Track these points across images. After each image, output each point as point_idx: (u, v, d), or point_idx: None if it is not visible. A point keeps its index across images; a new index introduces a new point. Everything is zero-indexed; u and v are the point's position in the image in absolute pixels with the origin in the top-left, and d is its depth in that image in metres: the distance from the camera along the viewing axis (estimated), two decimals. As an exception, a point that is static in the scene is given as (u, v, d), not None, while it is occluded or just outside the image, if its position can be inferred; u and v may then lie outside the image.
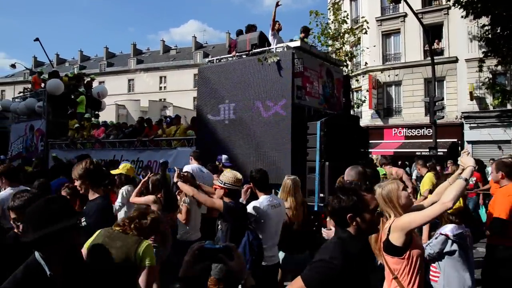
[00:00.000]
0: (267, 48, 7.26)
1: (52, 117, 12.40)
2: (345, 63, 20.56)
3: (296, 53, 7.08)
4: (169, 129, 9.26)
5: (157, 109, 39.47)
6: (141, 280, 2.73)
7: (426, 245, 3.49)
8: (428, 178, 6.75)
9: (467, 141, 21.80)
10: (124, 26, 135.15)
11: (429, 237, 4.34)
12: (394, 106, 25.20)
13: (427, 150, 18.31)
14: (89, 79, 14.15)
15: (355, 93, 23.46)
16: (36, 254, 2.02)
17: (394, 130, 24.52)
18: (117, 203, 5.01)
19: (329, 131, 6.61)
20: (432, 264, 3.54)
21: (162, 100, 44.77)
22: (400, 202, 2.73)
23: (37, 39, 22.71)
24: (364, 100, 22.24)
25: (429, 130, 21.29)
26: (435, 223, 3.72)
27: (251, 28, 8.21)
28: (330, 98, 8.09)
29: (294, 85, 6.88)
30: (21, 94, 14.96)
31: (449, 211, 3.23)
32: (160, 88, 51.84)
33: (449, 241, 3.41)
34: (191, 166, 6.00)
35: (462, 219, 3.50)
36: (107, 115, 30.58)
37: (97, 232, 2.87)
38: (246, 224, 3.69)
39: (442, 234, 3.46)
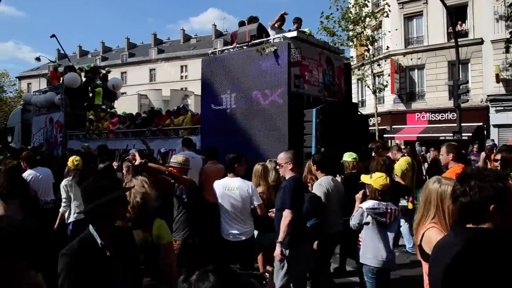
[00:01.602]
0: (265, 39, 7.66)
1: (70, 109, 13.22)
2: (366, 48, 20.70)
3: (293, 42, 7.46)
4: (177, 119, 9.83)
5: (178, 98, 40.27)
6: (164, 257, 3.00)
7: (351, 217, 4.05)
8: (404, 160, 6.96)
9: (493, 125, 21.51)
10: (144, 17, 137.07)
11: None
12: (417, 90, 25.01)
13: (451, 134, 18.22)
14: (104, 71, 14.86)
15: (377, 78, 23.49)
16: (90, 227, 2.36)
17: (417, 114, 24.38)
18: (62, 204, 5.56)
19: (325, 118, 7.00)
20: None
21: (184, 89, 45.60)
22: (450, 208, 2.39)
23: (53, 36, 23.69)
24: (386, 85, 22.28)
25: (453, 114, 21.12)
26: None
27: (252, 20, 8.60)
28: (330, 86, 8.44)
29: (291, 74, 7.28)
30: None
31: (377, 187, 3.89)
32: (181, 77, 52.75)
33: (365, 214, 3.89)
34: (184, 153, 6.54)
35: (384, 196, 3.92)
36: (130, 105, 31.59)
37: None
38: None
39: (360, 207, 3.96)
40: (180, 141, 9.08)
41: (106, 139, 11.61)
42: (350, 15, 20.65)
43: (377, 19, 21.44)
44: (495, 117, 21.51)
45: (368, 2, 21.06)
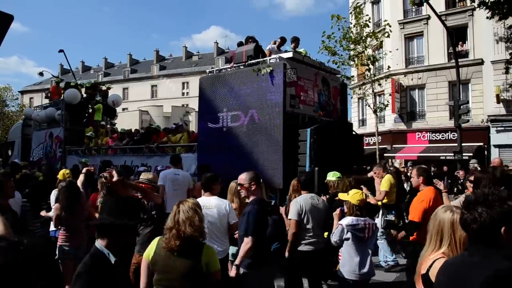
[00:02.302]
0: (262, 59, 7.88)
1: (70, 125, 13.47)
2: (367, 67, 20.99)
3: (289, 63, 7.67)
4: (174, 137, 10.00)
5: (179, 114, 40.62)
6: (214, 285, 2.95)
7: (332, 234, 4.29)
8: (387, 179, 7.11)
9: (493, 145, 21.65)
10: (147, 33, 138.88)
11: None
12: (418, 110, 25.26)
13: (452, 154, 18.35)
14: (105, 88, 15.14)
15: (377, 97, 23.73)
16: (97, 244, 2.41)
17: (418, 134, 24.58)
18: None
19: (319, 138, 7.16)
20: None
21: (185, 105, 46.00)
22: (463, 237, 2.33)
23: (61, 51, 24.11)
24: (387, 104, 22.52)
25: (453, 134, 21.34)
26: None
27: (249, 40, 8.85)
28: (326, 106, 8.63)
29: (287, 94, 7.46)
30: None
31: (354, 203, 4.18)
32: (183, 93, 53.31)
33: (345, 230, 4.16)
34: (168, 170, 6.99)
35: (362, 212, 4.22)
36: (131, 120, 31.92)
37: (155, 241, 3.08)
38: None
39: (340, 224, 4.21)
40: (178, 158, 9.29)
41: (104, 155, 11.78)
42: (351, 35, 21.00)
43: (378, 39, 21.76)
44: (496, 137, 21.66)
45: (369, 22, 21.45)
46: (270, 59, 7.76)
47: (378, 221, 6.42)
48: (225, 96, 8.24)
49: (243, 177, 4.29)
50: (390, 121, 25.71)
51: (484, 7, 16.50)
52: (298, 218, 4.82)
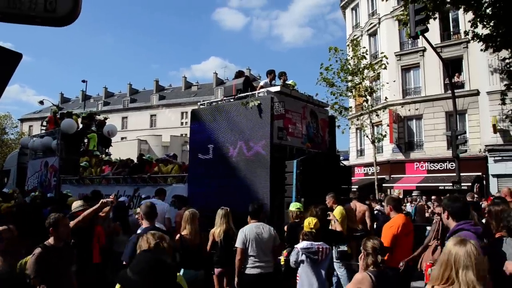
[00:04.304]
0: (250, 93, 8.26)
1: (65, 154, 13.77)
2: (365, 98, 21.46)
3: (277, 96, 8.04)
4: (166, 168, 10.31)
5: (178, 144, 40.98)
6: None
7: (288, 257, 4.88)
8: (338, 211, 7.34)
9: (492, 175, 21.87)
10: (147, 63, 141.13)
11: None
12: (416, 140, 25.63)
13: (451, 184, 18.53)
14: (102, 118, 15.55)
15: (375, 128, 24.13)
16: None
17: (416, 164, 24.85)
18: None
19: (305, 169, 7.43)
20: None
21: (184, 135, 46.47)
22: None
23: (84, 81, 26.28)
24: (385, 135, 22.86)
25: (452, 164, 21.60)
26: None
27: (240, 74, 9.29)
28: (314, 138, 8.94)
29: (274, 127, 7.78)
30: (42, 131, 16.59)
31: (306, 230, 4.76)
32: (182, 123, 53.87)
33: (300, 253, 4.69)
34: (148, 200, 7.36)
35: (315, 237, 4.79)
36: (130, 150, 32.24)
37: None
38: None
39: (296, 248, 4.76)
40: (169, 189, 9.57)
41: (98, 184, 12.04)
42: (349, 66, 21.55)
43: (375, 71, 22.30)
44: (494, 167, 21.90)
45: (366, 54, 22.07)
46: (258, 93, 8.12)
47: (334, 252, 6.75)
48: (215, 128, 8.57)
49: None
50: (388, 151, 26.03)
51: (478, 40, 17.00)
52: (243, 246, 5.36)
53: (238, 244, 5.38)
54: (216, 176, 8.36)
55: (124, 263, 4.72)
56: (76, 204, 5.71)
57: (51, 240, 4.39)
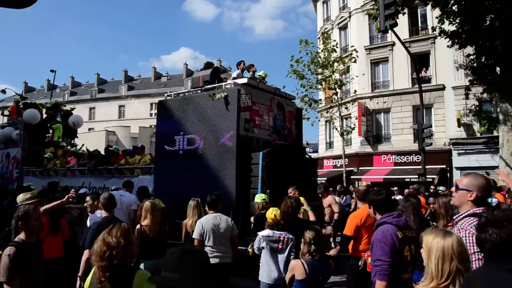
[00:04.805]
0: (217, 84, 8.31)
1: (28, 145, 13.44)
2: (334, 91, 21.76)
3: (244, 88, 8.12)
4: (133, 159, 10.26)
5: (147, 135, 40.61)
6: None
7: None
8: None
9: (455, 167, 22.61)
10: (115, 53, 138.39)
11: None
12: (383, 133, 26.21)
13: (416, 176, 19.08)
14: (68, 108, 15.25)
15: (344, 120, 24.56)
16: None
17: (384, 156, 25.44)
18: None
19: (271, 161, 7.56)
20: None
21: (153, 126, 46.02)
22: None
23: (53, 71, 25.63)
24: (354, 127, 23.29)
25: (418, 157, 22.24)
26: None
27: (208, 65, 9.31)
28: (281, 130, 9.09)
29: (241, 118, 7.88)
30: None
31: (268, 221, 4.98)
32: (151, 114, 53.19)
33: (261, 240, 4.95)
34: (116, 192, 7.66)
35: (276, 227, 5.00)
36: (97, 141, 31.72)
37: (93, 270, 3.04)
38: None
39: (258, 235, 5.03)
40: (135, 180, 9.53)
41: (63, 176, 11.86)
42: (319, 59, 21.80)
43: (345, 64, 22.62)
44: (457, 160, 22.66)
45: (337, 47, 22.33)
46: (225, 85, 8.18)
47: None
48: (182, 120, 8.59)
49: None
50: (357, 144, 26.54)
51: (445, 36, 17.49)
52: (200, 237, 5.48)
53: (196, 235, 5.49)
54: (182, 168, 8.40)
55: (86, 250, 4.80)
56: (23, 197, 5.50)
57: (22, 236, 3.93)
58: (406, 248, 3.56)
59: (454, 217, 3.13)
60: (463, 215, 3.00)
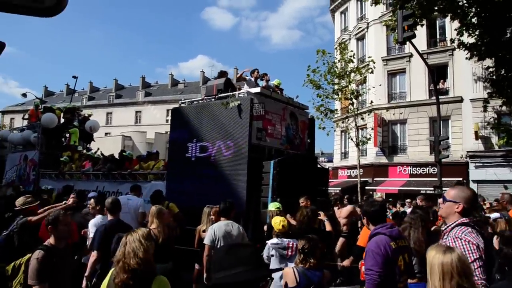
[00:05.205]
0: (231, 93, 8.44)
1: (46, 149, 13.79)
2: (351, 101, 21.74)
3: (257, 98, 8.23)
4: (147, 164, 10.42)
5: (163, 141, 40.86)
6: None
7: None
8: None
9: (472, 180, 22.33)
10: (134, 60, 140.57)
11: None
12: (399, 144, 26.05)
13: (432, 188, 18.92)
14: (86, 115, 15.58)
15: (360, 131, 24.46)
16: None
17: (399, 168, 25.28)
18: None
19: (282, 170, 7.62)
20: None
21: (168, 132, 46.44)
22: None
23: (75, 77, 26.47)
24: (369, 138, 23.18)
25: (434, 169, 22.01)
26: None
27: (222, 74, 9.46)
28: (293, 139, 9.16)
29: (253, 127, 7.97)
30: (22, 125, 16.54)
31: (276, 230, 5.15)
32: (167, 121, 53.65)
33: (270, 248, 5.14)
34: (123, 196, 8.11)
35: (284, 235, 5.21)
36: (113, 145, 32.12)
37: (110, 273, 3.09)
38: None
39: (267, 243, 5.19)
40: (148, 185, 9.69)
41: (77, 179, 12.10)
42: (336, 69, 21.80)
43: (361, 75, 22.59)
44: (474, 173, 22.38)
45: (354, 58, 22.34)
46: (238, 94, 8.30)
47: None
48: (195, 127, 8.72)
49: None
50: (372, 154, 26.39)
51: (463, 48, 17.41)
52: (211, 243, 5.51)
53: (207, 241, 5.55)
54: (194, 174, 8.52)
55: (94, 250, 4.89)
56: (22, 200, 5.65)
57: (51, 240, 3.96)
58: (400, 258, 3.63)
59: (444, 227, 3.22)
60: (453, 224, 3.10)
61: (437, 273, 2.31)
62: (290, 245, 5.07)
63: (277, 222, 5.28)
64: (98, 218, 6.12)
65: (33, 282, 3.65)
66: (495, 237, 4.99)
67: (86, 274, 4.97)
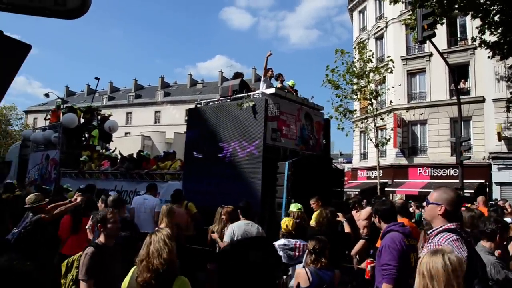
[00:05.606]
0: (246, 94, 8.53)
1: (66, 148, 14.13)
2: (370, 102, 21.61)
3: (271, 98, 8.30)
4: (164, 164, 10.59)
5: (181, 141, 40.78)
6: None
7: None
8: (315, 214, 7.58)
9: (495, 183, 22.00)
10: (153, 60, 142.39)
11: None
12: (419, 145, 25.78)
13: (454, 191, 18.66)
14: (106, 115, 15.90)
15: (379, 131, 24.27)
16: None
17: (419, 169, 25.02)
18: None
19: (297, 171, 7.68)
20: None
21: (187, 132, 46.80)
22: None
23: (97, 78, 27.03)
24: (389, 139, 22.99)
25: (455, 171, 21.73)
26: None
27: (238, 75, 9.57)
28: (308, 140, 9.20)
29: (268, 128, 8.05)
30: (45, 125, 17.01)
31: (283, 230, 5.23)
32: (186, 121, 54.25)
33: (278, 249, 5.11)
34: (140, 196, 8.47)
35: (290, 236, 5.28)
36: (133, 145, 32.46)
37: (131, 271, 3.16)
38: None
39: (273, 244, 5.15)
40: (165, 185, 9.86)
41: (96, 179, 12.36)
42: (355, 69, 21.70)
43: (381, 74, 22.43)
44: (497, 175, 22.02)
45: (373, 57, 22.20)
46: (253, 94, 8.39)
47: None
48: (211, 128, 8.84)
49: None
50: (392, 155, 26.18)
51: (485, 47, 17.14)
52: (230, 241, 5.58)
53: (226, 238, 5.65)
54: (210, 175, 8.63)
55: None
56: (32, 198, 5.87)
57: (101, 239, 4.06)
58: (411, 255, 3.74)
59: (429, 232, 3.17)
60: (437, 230, 3.02)
61: (421, 277, 2.31)
62: (297, 245, 5.16)
63: (283, 223, 5.40)
64: None
65: (82, 277, 3.76)
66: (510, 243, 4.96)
67: None
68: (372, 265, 4.35)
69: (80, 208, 6.24)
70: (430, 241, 3.03)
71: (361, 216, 8.27)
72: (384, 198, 21.13)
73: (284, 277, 4.96)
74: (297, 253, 5.09)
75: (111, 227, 4.05)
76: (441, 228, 3.00)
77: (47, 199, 6.27)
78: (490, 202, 14.51)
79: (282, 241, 5.19)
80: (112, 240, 4.10)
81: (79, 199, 6.43)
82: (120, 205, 5.74)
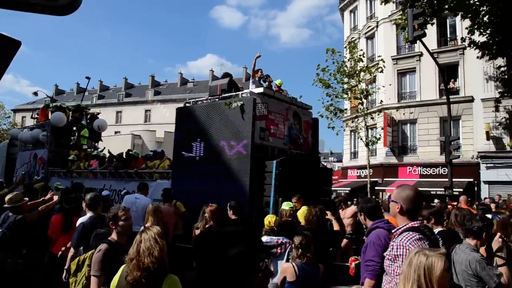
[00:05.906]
0: (234, 93, 8.60)
1: (54, 147, 14.09)
2: (360, 101, 21.76)
3: (260, 98, 8.38)
4: (152, 163, 10.63)
5: (172, 140, 40.80)
6: None
7: None
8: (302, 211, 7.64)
9: (483, 181, 22.27)
10: (143, 58, 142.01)
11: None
12: (409, 144, 26.02)
13: (443, 189, 18.90)
14: (95, 113, 15.85)
15: (370, 130, 24.46)
16: None
17: (409, 168, 25.27)
18: None
19: (285, 170, 7.75)
20: None
21: (178, 131, 46.72)
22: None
23: (88, 78, 27.00)
24: (379, 138, 23.15)
25: (444, 169, 21.98)
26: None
27: (226, 75, 9.65)
28: (296, 139, 9.29)
29: (256, 127, 8.12)
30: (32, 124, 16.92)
31: (265, 227, 5.30)
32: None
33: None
34: (131, 195, 8.36)
35: (273, 233, 5.36)
36: (123, 144, 32.40)
37: (120, 270, 3.13)
38: None
39: None
40: (153, 184, 9.89)
41: (85, 178, 12.36)
42: (346, 68, 21.82)
43: (371, 74, 22.60)
44: (485, 174, 22.29)
45: (363, 57, 22.33)
46: (242, 94, 8.46)
47: None
48: (199, 127, 8.91)
49: None
50: (382, 154, 26.38)
51: (474, 47, 17.33)
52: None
53: None
54: (198, 174, 8.69)
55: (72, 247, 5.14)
56: (13, 198, 5.92)
57: (114, 236, 4.05)
58: None
59: (393, 231, 3.19)
60: (401, 229, 3.03)
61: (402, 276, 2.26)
62: (279, 242, 5.21)
63: (267, 220, 5.46)
64: (86, 216, 6.25)
65: (94, 273, 3.75)
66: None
67: (66, 267, 5.05)
68: (356, 263, 4.43)
69: (72, 207, 6.28)
70: (393, 240, 3.03)
71: (346, 214, 8.40)
72: (373, 196, 21.43)
73: (266, 260, 5.01)
74: (279, 250, 5.14)
75: (122, 225, 4.05)
76: (404, 227, 3.01)
77: (27, 198, 6.27)
78: (477, 202, 14.76)
79: (264, 238, 5.21)
80: (125, 237, 4.05)
81: (55, 197, 6.45)
82: (97, 205, 5.63)
